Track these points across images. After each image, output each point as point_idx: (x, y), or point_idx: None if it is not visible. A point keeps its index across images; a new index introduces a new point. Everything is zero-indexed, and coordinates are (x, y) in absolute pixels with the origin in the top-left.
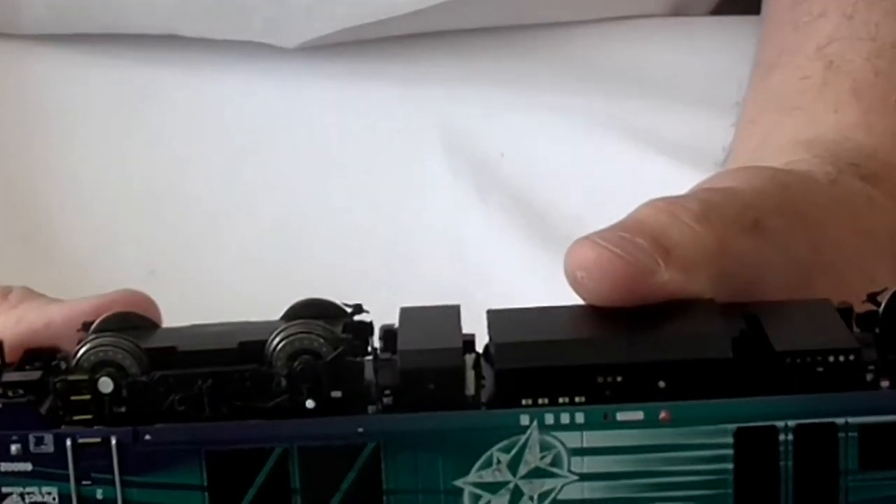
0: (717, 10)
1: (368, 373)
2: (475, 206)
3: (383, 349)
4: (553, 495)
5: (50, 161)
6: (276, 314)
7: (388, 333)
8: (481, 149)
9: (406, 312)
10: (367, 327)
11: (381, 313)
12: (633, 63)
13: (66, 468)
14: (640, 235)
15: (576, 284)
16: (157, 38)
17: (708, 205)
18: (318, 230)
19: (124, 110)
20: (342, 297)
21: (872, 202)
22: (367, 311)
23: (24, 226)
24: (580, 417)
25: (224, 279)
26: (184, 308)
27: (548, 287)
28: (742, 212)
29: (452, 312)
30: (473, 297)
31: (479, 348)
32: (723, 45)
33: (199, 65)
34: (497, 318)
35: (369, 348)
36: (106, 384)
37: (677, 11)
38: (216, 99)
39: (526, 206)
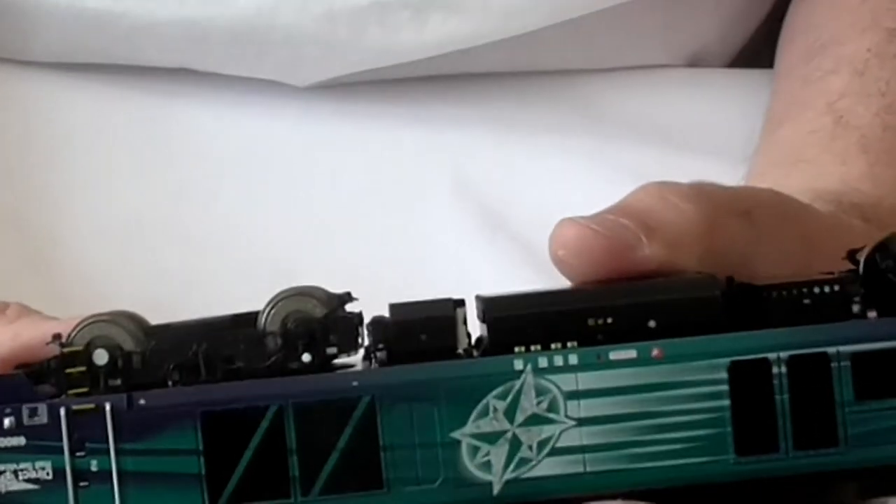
0: (734, 64)
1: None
2: (482, 250)
3: (373, 340)
4: (552, 443)
5: (56, 188)
6: None
7: (377, 324)
8: (490, 191)
9: (395, 306)
10: (357, 317)
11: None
12: (646, 112)
13: (60, 440)
14: (625, 216)
15: (558, 263)
16: (169, 71)
17: (699, 188)
18: (323, 269)
19: (133, 141)
20: None
21: (871, 237)
22: (357, 299)
23: (28, 252)
24: (574, 359)
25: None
26: None
27: None
28: (733, 200)
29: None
30: None
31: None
32: (737, 98)
33: (210, 99)
34: (485, 297)
35: (360, 339)
36: (101, 356)
37: (693, 63)
38: (226, 134)
39: (533, 250)
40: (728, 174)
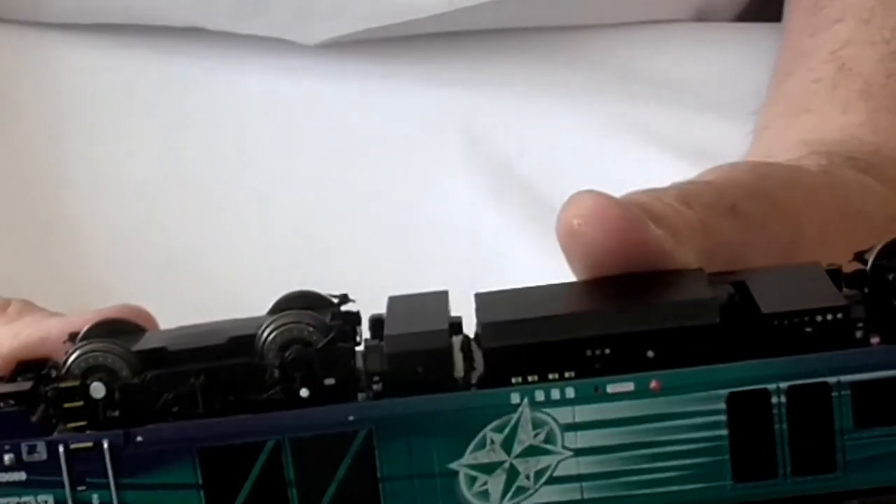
0: (741, 17)
1: (358, 361)
2: (493, 204)
3: (372, 337)
4: (549, 472)
5: (68, 149)
6: None
7: (376, 322)
8: (500, 148)
9: (394, 300)
10: (355, 317)
11: None
12: (655, 67)
13: (61, 475)
14: (630, 204)
15: (571, 235)
16: (179, 30)
17: (686, 193)
18: (335, 226)
19: (144, 102)
20: (356, 292)
21: (866, 188)
22: (354, 301)
23: (42, 213)
24: (570, 392)
25: (240, 272)
26: (199, 299)
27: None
28: (718, 198)
29: (440, 297)
30: None
31: (470, 332)
32: (745, 52)
33: (220, 58)
34: (484, 301)
35: (358, 338)
36: (98, 389)
37: (701, 17)
38: (237, 93)
39: (543, 204)
40: (737, 128)
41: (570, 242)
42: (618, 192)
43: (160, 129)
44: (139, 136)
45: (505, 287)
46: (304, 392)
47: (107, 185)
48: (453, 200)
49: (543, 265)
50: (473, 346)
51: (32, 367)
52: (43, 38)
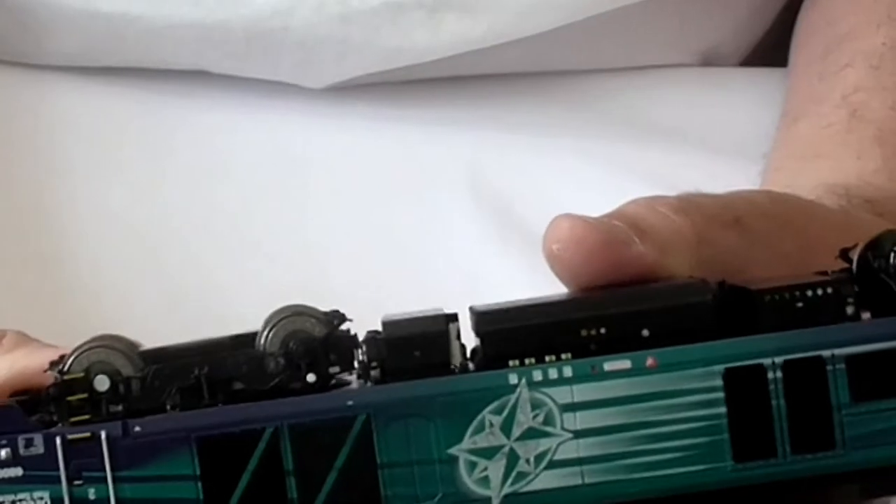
0: (746, 62)
1: (355, 382)
2: (496, 248)
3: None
4: (549, 456)
5: (71, 192)
6: None
7: (372, 342)
8: (504, 191)
9: (388, 316)
10: (351, 341)
11: None
12: (660, 111)
13: (57, 469)
14: (617, 220)
15: (552, 259)
16: (184, 73)
17: (687, 200)
18: (338, 267)
19: (148, 144)
20: (359, 331)
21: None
22: (351, 320)
23: (44, 255)
24: (568, 371)
25: (242, 314)
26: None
27: None
28: (722, 210)
29: (435, 312)
30: None
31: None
32: (750, 97)
33: (225, 102)
34: (479, 307)
35: (355, 362)
36: (102, 381)
37: (706, 62)
38: (241, 136)
39: None
40: (743, 172)
41: (553, 266)
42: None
43: (162, 172)
44: (140, 177)
45: None
46: (310, 377)
47: (107, 226)
48: (457, 243)
49: None
50: (471, 355)
51: (28, 393)
52: (45, 81)
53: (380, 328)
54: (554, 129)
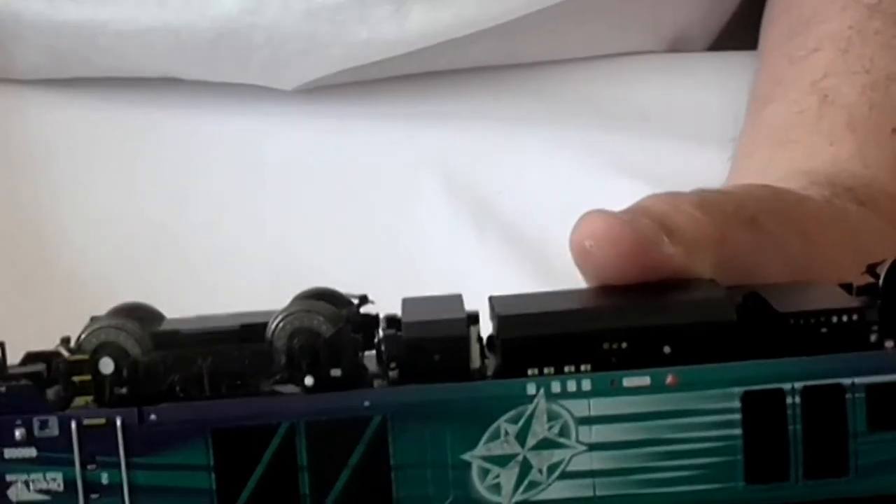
0: (715, 47)
1: (372, 364)
2: (473, 242)
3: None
4: (562, 467)
5: (47, 203)
6: None
7: (392, 320)
8: (479, 185)
9: (409, 301)
10: (373, 319)
11: None
12: (630, 99)
13: (71, 452)
14: (645, 217)
15: (583, 255)
16: (154, 80)
17: (706, 200)
18: (314, 266)
19: (121, 153)
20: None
21: (867, 221)
22: (373, 303)
23: (22, 268)
24: (587, 385)
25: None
26: None
27: None
28: (738, 209)
29: (455, 299)
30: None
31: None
32: (720, 81)
33: (197, 107)
34: (499, 301)
35: (375, 340)
36: (107, 364)
37: (674, 48)
38: (214, 140)
39: (524, 241)
40: (714, 156)
41: (583, 262)
42: None
43: (137, 179)
44: (116, 185)
45: (486, 326)
46: (308, 380)
47: (85, 236)
48: (433, 238)
49: None
50: (489, 353)
51: (42, 356)
52: (15, 94)
53: (399, 310)
54: (525, 121)
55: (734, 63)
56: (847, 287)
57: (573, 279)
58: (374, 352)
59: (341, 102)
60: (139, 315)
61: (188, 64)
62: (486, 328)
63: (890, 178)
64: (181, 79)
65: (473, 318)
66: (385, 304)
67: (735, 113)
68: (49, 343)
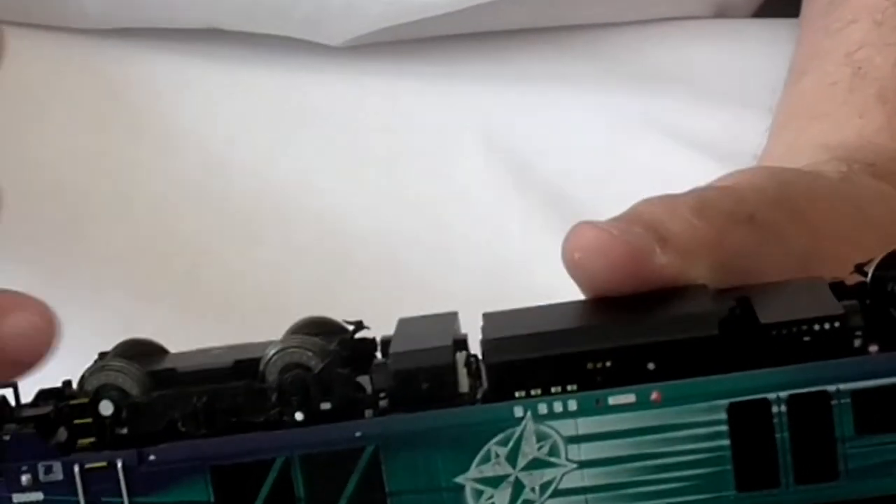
0: (759, 13)
1: (369, 387)
2: (514, 204)
3: (382, 357)
4: (554, 485)
5: (87, 151)
6: (313, 305)
7: (386, 344)
8: (520, 147)
9: (403, 322)
10: (370, 344)
11: (419, 308)
12: (673, 64)
13: (76, 495)
14: (638, 225)
15: (573, 266)
16: (197, 31)
17: (703, 200)
18: (357, 226)
19: (163, 104)
20: (382, 288)
21: (882, 195)
22: (369, 328)
23: (60, 218)
24: (573, 405)
25: (263, 273)
26: (221, 303)
27: None
28: (737, 206)
29: (449, 318)
30: (512, 293)
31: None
32: (763, 48)
33: (239, 59)
34: (490, 320)
35: (373, 364)
36: (106, 406)
37: (719, 13)
38: (256, 94)
39: (564, 203)
40: (755, 123)
41: (575, 274)
42: (638, 188)
43: (179, 131)
44: (158, 137)
45: (531, 286)
46: (298, 416)
47: (128, 188)
48: (473, 199)
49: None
50: (480, 363)
51: (53, 394)
52: (75, 45)
53: (392, 331)
54: (567, 83)
55: (778, 30)
56: (838, 287)
57: None
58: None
59: (383, 60)
60: (142, 351)
61: (230, 15)
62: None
63: None
64: (223, 29)
65: (460, 344)
66: (424, 265)
67: (777, 81)
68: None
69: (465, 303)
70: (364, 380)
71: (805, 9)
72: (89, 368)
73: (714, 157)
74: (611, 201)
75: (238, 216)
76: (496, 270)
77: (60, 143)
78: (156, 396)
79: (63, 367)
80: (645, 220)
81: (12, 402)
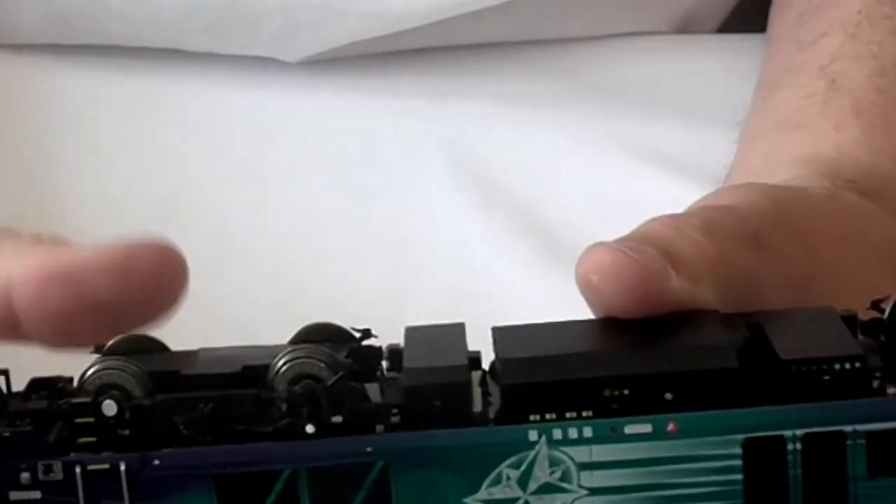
0: (723, 29)
1: (376, 396)
2: (479, 222)
3: (389, 369)
4: None
5: (51, 173)
6: (281, 325)
7: (394, 353)
8: (486, 164)
9: (411, 331)
10: (376, 352)
11: (386, 328)
12: (638, 80)
13: (76, 495)
14: (650, 245)
15: (589, 289)
16: (160, 51)
17: (709, 221)
18: (322, 244)
19: (125, 124)
20: (345, 308)
21: (871, 214)
22: (376, 336)
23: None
24: (588, 432)
25: (229, 290)
26: (190, 317)
27: (553, 300)
28: (741, 228)
29: (457, 330)
30: (478, 312)
31: (485, 365)
32: (728, 64)
33: (202, 79)
34: (502, 335)
35: (378, 373)
36: (109, 407)
37: (683, 29)
38: (219, 113)
39: (530, 221)
40: (720, 138)
41: (590, 296)
42: (604, 205)
43: (140, 150)
44: (119, 156)
45: (497, 304)
46: (309, 428)
47: (88, 207)
48: (439, 217)
49: (531, 282)
50: (490, 381)
51: (45, 384)
52: (21, 61)
53: (399, 342)
54: (532, 99)
55: (742, 45)
56: (851, 320)
57: (577, 256)
58: (376, 385)
59: (347, 77)
60: (142, 348)
61: (195, 35)
62: (486, 351)
63: (893, 166)
64: (186, 51)
65: (475, 362)
66: (389, 284)
67: (742, 96)
68: None
69: (429, 318)
70: (371, 387)
71: (774, 22)
72: (91, 365)
73: (681, 172)
74: (576, 218)
75: (201, 231)
76: (460, 286)
77: (23, 163)
78: (161, 400)
79: (57, 361)
80: (656, 240)
81: (3, 389)
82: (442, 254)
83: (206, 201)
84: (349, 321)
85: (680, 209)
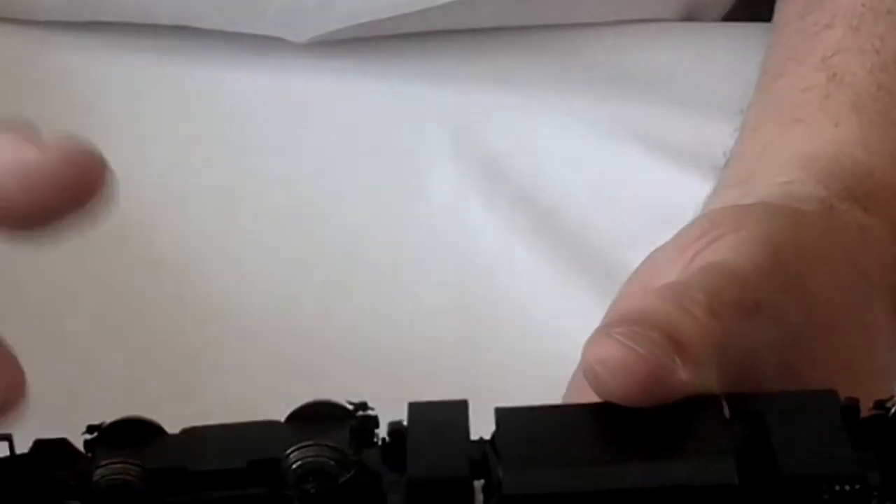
0: (729, 17)
1: (375, 464)
2: (482, 206)
3: (391, 459)
4: None
5: None
6: (285, 306)
7: (396, 434)
8: (489, 148)
9: (413, 409)
10: (373, 421)
11: (387, 312)
12: (643, 67)
13: None
14: (653, 329)
15: (593, 378)
16: (166, 28)
17: (713, 294)
18: (324, 225)
19: (133, 101)
20: (346, 292)
21: (864, 234)
22: (372, 409)
23: None
24: None
25: (232, 267)
26: (189, 303)
27: (554, 286)
28: (743, 295)
29: (460, 411)
30: (478, 297)
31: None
32: (732, 52)
33: (210, 57)
34: (505, 421)
35: (376, 440)
36: None
37: (689, 17)
38: (226, 91)
39: (532, 206)
40: (721, 125)
41: (595, 386)
42: (607, 191)
43: (148, 127)
44: (126, 134)
45: (497, 290)
46: None
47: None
48: (441, 200)
49: (532, 267)
50: (493, 458)
51: (53, 448)
52: (31, 36)
53: (404, 418)
54: (537, 84)
55: (747, 34)
56: (853, 412)
57: (579, 243)
58: (375, 451)
59: (353, 58)
60: (139, 432)
61: (202, 12)
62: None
63: (890, 167)
64: (194, 27)
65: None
66: (389, 267)
67: (747, 84)
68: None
69: (431, 312)
70: (370, 454)
71: (780, 9)
72: (93, 468)
73: (683, 159)
74: (579, 203)
75: (206, 211)
76: (461, 270)
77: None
78: (169, 500)
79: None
80: (659, 323)
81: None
82: (443, 236)
83: (207, 178)
84: (349, 306)
85: (682, 195)
